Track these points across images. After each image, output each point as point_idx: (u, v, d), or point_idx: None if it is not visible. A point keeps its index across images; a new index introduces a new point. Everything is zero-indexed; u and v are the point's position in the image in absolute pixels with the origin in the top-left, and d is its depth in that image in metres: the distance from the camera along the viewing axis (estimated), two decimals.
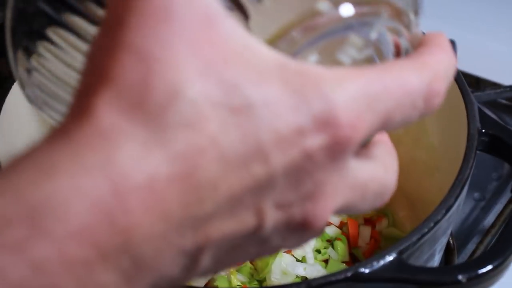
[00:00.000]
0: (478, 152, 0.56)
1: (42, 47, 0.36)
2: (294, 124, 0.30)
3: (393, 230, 0.69)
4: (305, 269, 0.63)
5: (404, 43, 0.36)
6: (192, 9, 0.29)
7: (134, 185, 0.28)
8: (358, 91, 0.31)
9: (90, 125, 0.28)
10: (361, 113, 0.31)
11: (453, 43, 0.86)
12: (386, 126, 0.32)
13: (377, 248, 0.67)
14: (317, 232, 0.32)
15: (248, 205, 0.30)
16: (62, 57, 0.36)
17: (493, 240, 0.68)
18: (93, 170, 0.28)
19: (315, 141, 0.30)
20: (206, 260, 0.30)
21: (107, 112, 0.28)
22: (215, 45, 0.29)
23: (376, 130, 0.32)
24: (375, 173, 0.34)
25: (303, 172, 0.30)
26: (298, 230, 0.32)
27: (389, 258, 0.48)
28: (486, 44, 0.92)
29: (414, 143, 0.67)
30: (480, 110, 0.59)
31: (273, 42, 0.32)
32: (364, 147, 0.35)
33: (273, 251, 0.33)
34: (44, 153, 0.28)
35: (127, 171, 0.28)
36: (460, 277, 0.48)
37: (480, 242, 0.68)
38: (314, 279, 0.47)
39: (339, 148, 0.30)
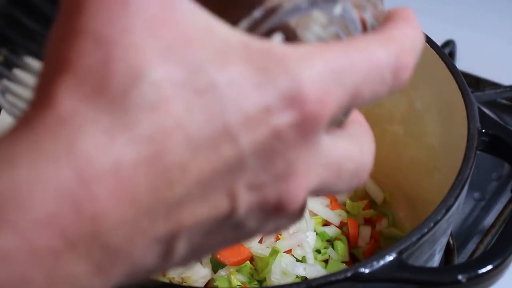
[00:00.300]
0: (478, 152, 0.56)
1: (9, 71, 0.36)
2: (260, 102, 0.29)
3: (393, 230, 0.69)
4: (305, 269, 0.63)
5: (369, 19, 0.35)
6: None
7: (99, 171, 0.27)
8: (324, 67, 0.30)
9: (50, 113, 0.28)
10: (328, 88, 0.30)
11: (453, 43, 0.87)
12: (355, 101, 0.32)
13: (377, 248, 0.67)
14: (293, 214, 0.32)
15: (219, 188, 0.30)
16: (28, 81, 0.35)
17: (493, 240, 0.68)
18: (56, 157, 0.27)
19: (283, 119, 0.30)
20: (181, 248, 0.30)
21: (67, 99, 0.28)
22: (175, 27, 0.29)
23: (345, 105, 0.31)
24: (350, 152, 0.34)
25: (273, 151, 0.30)
26: (274, 212, 0.31)
27: (389, 258, 0.48)
28: (486, 44, 0.92)
29: (414, 143, 0.67)
30: (480, 110, 0.59)
31: (236, 22, 0.32)
32: (339, 127, 0.35)
33: (250, 236, 0.33)
34: (5, 144, 0.28)
35: (91, 156, 0.27)
36: (460, 277, 0.48)
37: (480, 242, 0.68)
38: (314, 279, 0.47)
39: (309, 125, 0.30)
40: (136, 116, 0.28)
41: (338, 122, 0.35)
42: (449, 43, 0.86)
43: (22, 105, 0.36)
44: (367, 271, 0.48)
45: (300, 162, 0.31)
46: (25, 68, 0.35)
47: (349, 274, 0.47)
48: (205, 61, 0.29)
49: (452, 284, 0.48)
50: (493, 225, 0.69)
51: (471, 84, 0.82)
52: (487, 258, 0.49)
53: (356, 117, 0.36)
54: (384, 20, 0.35)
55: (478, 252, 0.67)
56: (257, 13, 0.32)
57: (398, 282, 0.48)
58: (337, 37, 0.35)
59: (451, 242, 0.65)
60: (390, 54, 0.33)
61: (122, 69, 0.28)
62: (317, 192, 0.33)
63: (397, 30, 0.34)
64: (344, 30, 0.35)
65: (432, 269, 0.52)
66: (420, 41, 0.35)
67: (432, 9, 0.95)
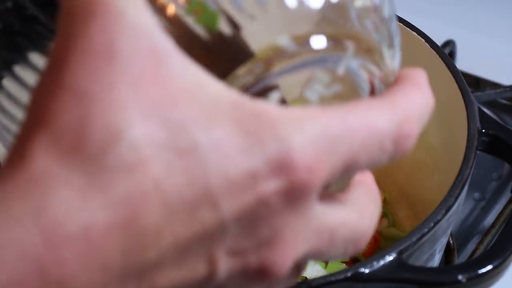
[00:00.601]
0: (478, 152, 0.56)
1: None
2: (246, 167, 0.28)
3: (393, 230, 0.69)
4: None
5: (376, 82, 0.34)
6: (137, 46, 0.28)
7: (67, 235, 0.26)
8: (317, 132, 0.29)
9: (23, 171, 0.27)
10: (320, 155, 0.29)
11: (453, 42, 0.86)
12: (351, 168, 0.30)
13: (377, 248, 0.67)
14: (282, 279, 0.31)
15: (197, 252, 0.28)
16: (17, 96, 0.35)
17: (493, 240, 0.68)
18: (23, 219, 0.26)
19: (269, 186, 0.28)
20: None
21: (42, 157, 0.27)
22: (161, 85, 0.28)
23: (339, 173, 0.30)
24: (347, 218, 0.32)
25: (258, 218, 0.29)
26: (256, 278, 0.30)
27: (389, 258, 0.48)
28: (486, 44, 0.92)
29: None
30: (480, 110, 0.59)
31: (233, 76, 0.31)
32: (341, 189, 0.33)
33: None
34: None
35: (60, 219, 0.26)
36: (460, 277, 0.48)
37: (480, 242, 0.68)
38: (314, 279, 0.47)
39: (297, 193, 0.29)
40: (111, 177, 0.27)
41: (338, 185, 0.34)
42: (449, 43, 0.86)
43: (14, 128, 0.35)
44: (367, 271, 0.48)
45: (286, 228, 0.29)
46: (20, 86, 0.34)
47: (349, 274, 0.47)
48: (189, 121, 0.28)
49: (452, 284, 0.48)
50: (493, 225, 0.69)
51: (471, 84, 0.82)
52: (487, 258, 0.49)
53: (363, 177, 0.34)
54: (394, 81, 0.33)
55: (478, 252, 0.67)
56: (256, 69, 0.31)
57: (398, 282, 0.48)
58: (340, 97, 0.33)
59: (451, 242, 0.65)
60: (392, 121, 0.31)
61: (100, 128, 0.27)
62: (307, 257, 0.32)
63: (404, 95, 0.32)
64: (349, 89, 0.33)
65: (432, 269, 0.52)
66: (429, 108, 0.33)
67: (432, 9, 0.95)
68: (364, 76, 0.33)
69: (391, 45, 0.34)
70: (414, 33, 0.63)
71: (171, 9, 0.30)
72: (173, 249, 0.28)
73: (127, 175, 0.27)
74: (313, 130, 0.29)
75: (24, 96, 0.34)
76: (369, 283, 0.48)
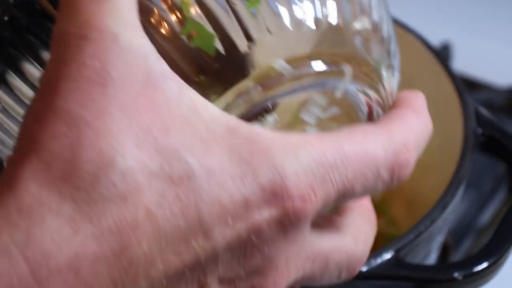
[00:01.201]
0: (474, 151, 0.56)
1: None
2: (239, 196, 0.28)
3: (390, 229, 0.69)
4: None
5: (374, 106, 0.33)
6: (131, 72, 0.27)
7: (56, 266, 0.26)
8: (311, 161, 0.29)
9: (12, 199, 0.26)
10: (313, 184, 0.28)
11: (449, 43, 0.87)
12: (345, 196, 0.30)
13: (374, 247, 0.67)
14: None
15: (189, 280, 0.28)
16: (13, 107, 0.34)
17: (489, 238, 0.68)
18: (11, 250, 0.26)
19: (262, 215, 0.28)
20: None
21: (31, 185, 0.26)
22: (155, 111, 0.27)
23: (333, 201, 0.30)
24: (341, 245, 0.32)
25: (250, 247, 0.28)
26: None
27: (387, 256, 0.49)
28: (482, 44, 0.92)
29: None
30: (476, 111, 0.59)
31: (230, 99, 0.30)
32: (335, 213, 0.33)
33: None
34: None
35: (49, 251, 0.26)
36: (456, 274, 0.48)
37: (476, 240, 0.69)
38: None
39: (290, 221, 0.28)
40: (103, 206, 0.26)
41: (331, 209, 0.33)
42: (446, 44, 0.86)
43: (11, 142, 0.35)
44: (364, 269, 0.48)
45: (279, 256, 0.29)
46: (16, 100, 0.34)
47: None
48: (184, 148, 0.27)
49: (448, 281, 0.48)
50: (489, 224, 0.70)
51: (467, 84, 0.82)
52: (483, 256, 0.49)
53: (359, 202, 0.34)
54: (392, 105, 0.33)
55: (474, 250, 0.68)
56: (252, 92, 0.31)
57: (395, 280, 0.48)
58: (338, 119, 0.33)
59: (448, 240, 0.65)
60: (388, 149, 0.30)
61: (92, 155, 0.26)
62: (300, 282, 0.31)
63: (401, 122, 0.31)
64: (347, 112, 0.33)
65: (428, 267, 0.52)
66: (427, 134, 0.32)
67: (429, 10, 0.96)
68: (362, 99, 0.33)
69: (390, 66, 0.33)
70: (411, 34, 0.63)
71: (166, 30, 0.30)
72: (165, 279, 0.28)
73: (119, 204, 0.27)
74: (308, 158, 0.29)
75: (16, 106, 0.34)
76: (366, 280, 0.48)
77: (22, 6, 0.32)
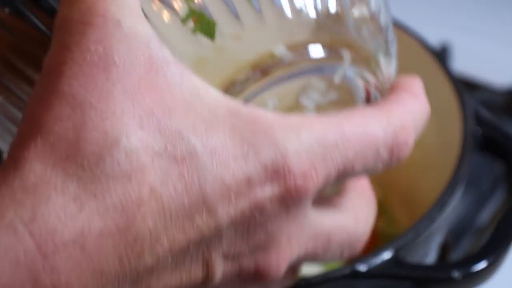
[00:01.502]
0: (473, 152, 0.57)
1: None
2: (242, 174, 0.28)
3: (390, 228, 0.69)
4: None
5: (372, 90, 0.34)
6: (134, 55, 0.28)
7: (62, 241, 0.26)
8: (312, 139, 0.29)
9: (17, 178, 0.27)
10: (314, 162, 0.29)
11: (448, 44, 0.87)
12: (345, 175, 0.31)
13: (374, 246, 0.68)
14: (276, 281, 0.31)
15: (194, 257, 0.29)
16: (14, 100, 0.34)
17: (488, 238, 0.68)
18: (16, 226, 0.26)
19: (265, 192, 0.29)
20: None
21: (36, 165, 0.27)
22: (158, 93, 0.28)
23: (334, 179, 0.30)
24: (342, 223, 0.32)
25: (253, 223, 0.29)
26: (252, 281, 0.30)
27: (386, 255, 0.49)
28: (481, 45, 0.92)
29: None
30: (475, 111, 0.59)
31: (229, 84, 0.31)
32: (335, 194, 0.33)
33: None
34: None
35: (55, 227, 0.26)
36: (455, 274, 0.48)
37: (475, 239, 0.69)
38: (313, 277, 0.48)
39: (292, 199, 0.29)
40: (107, 184, 0.27)
41: (333, 189, 0.34)
42: (445, 45, 0.86)
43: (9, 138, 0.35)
44: (364, 268, 0.48)
45: (281, 233, 0.30)
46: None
47: (347, 272, 0.48)
48: (186, 128, 0.28)
49: (447, 280, 0.48)
50: (488, 223, 0.70)
51: (466, 85, 0.82)
52: (482, 255, 0.50)
53: (358, 183, 0.35)
54: (390, 89, 0.33)
55: (473, 250, 0.68)
56: (252, 76, 0.31)
57: (395, 279, 0.49)
58: (336, 104, 0.33)
59: (447, 239, 0.66)
60: (387, 129, 0.31)
61: (96, 136, 0.27)
62: (302, 260, 0.32)
63: (399, 104, 0.32)
64: (345, 97, 0.33)
65: (427, 266, 0.52)
66: (424, 116, 0.33)
67: (428, 10, 0.96)
68: (360, 84, 0.33)
69: (387, 53, 0.34)
70: (409, 34, 0.63)
71: (167, 17, 0.30)
72: (170, 254, 0.28)
73: (123, 182, 0.27)
74: (309, 137, 0.29)
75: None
76: (366, 280, 0.49)
77: None
